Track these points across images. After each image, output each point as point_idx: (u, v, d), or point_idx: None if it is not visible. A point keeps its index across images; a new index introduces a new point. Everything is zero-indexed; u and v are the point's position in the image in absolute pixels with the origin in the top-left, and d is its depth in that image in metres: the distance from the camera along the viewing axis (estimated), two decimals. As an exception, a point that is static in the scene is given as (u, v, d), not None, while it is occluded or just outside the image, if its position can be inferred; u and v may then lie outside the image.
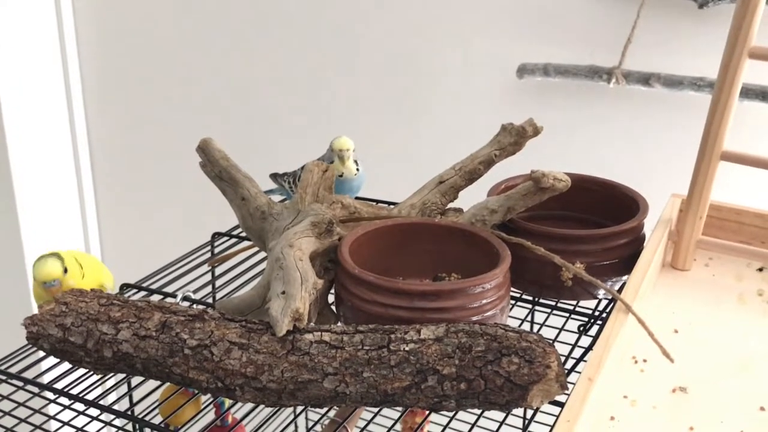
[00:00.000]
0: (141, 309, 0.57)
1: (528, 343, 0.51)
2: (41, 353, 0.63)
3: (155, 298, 0.73)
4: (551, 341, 0.63)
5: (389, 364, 0.52)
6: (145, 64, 1.50)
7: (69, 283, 0.66)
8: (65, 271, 0.66)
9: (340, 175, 0.83)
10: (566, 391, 0.52)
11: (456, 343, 0.52)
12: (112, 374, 0.62)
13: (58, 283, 0.66)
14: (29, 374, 0.66)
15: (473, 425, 0.61)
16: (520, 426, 0.66)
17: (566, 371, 0.61)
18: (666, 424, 0.53)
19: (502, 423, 0.61)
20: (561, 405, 0.51)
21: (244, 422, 0.81)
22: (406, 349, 0.52)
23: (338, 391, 0.53)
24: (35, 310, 0.61)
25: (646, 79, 1.06)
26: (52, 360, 0.64)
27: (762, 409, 0.55)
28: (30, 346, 0.67)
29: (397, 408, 0.56)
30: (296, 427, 1.04)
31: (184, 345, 0.55)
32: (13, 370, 0.66)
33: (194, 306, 0.71)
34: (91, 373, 0.63)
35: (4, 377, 0.66)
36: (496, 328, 0.53)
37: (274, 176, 0.92)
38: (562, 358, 0.61)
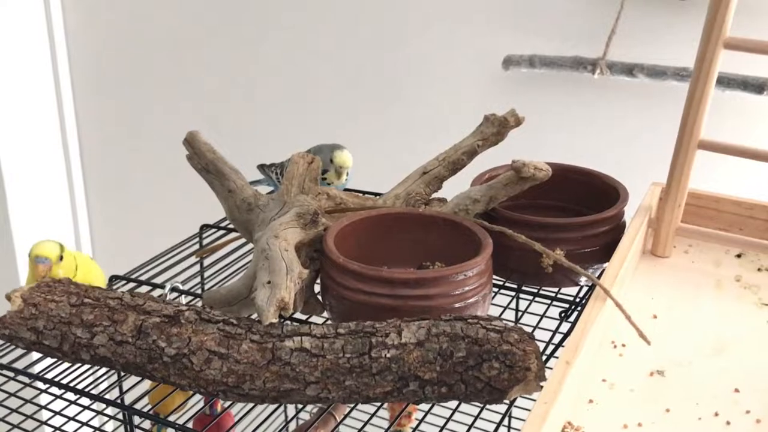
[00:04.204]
0: (114, 310, 0.55)
1: (509, 345, 0.51)
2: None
3: (144, 289, 0.73)
4: (533, 328, 0.65)
5: (371, 371, 0.52)
6: (133, 57, 1.50)
7: (58, 273, 0.66)
8: (61, 258, 0.66)
9: (329, 183, 0.84)
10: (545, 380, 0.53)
11: (437, 349, 0.52)
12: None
13: (48, 262, 0.65)
14: (20, 364, 0.67)
15: (455, 410, 0.63)
16: (502, 410, 0.67)
17: (546, 357, 0.62)
18: (643, 407, 0.55)
19: (483, 407, 0.62)
20: (541, 388, 0.53)
21: (232, 410, 0.82)
22: (388, 356, 0.52)
23: (321, 396, 0.53)
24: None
25: (629, 70, 1.07)
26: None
27: (737, 390, 0.56)
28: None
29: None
30: (285, 415, 1.05)
31: (163, 353, 0.54)
32: (4, 360, 0.67)
33: (181, 297, 0.72)
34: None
35: (-6, 368, 0.67)
36: (478, 327, 0.52)
37: (262, 167, 0.93)
38: (543, 345, 0.62)
